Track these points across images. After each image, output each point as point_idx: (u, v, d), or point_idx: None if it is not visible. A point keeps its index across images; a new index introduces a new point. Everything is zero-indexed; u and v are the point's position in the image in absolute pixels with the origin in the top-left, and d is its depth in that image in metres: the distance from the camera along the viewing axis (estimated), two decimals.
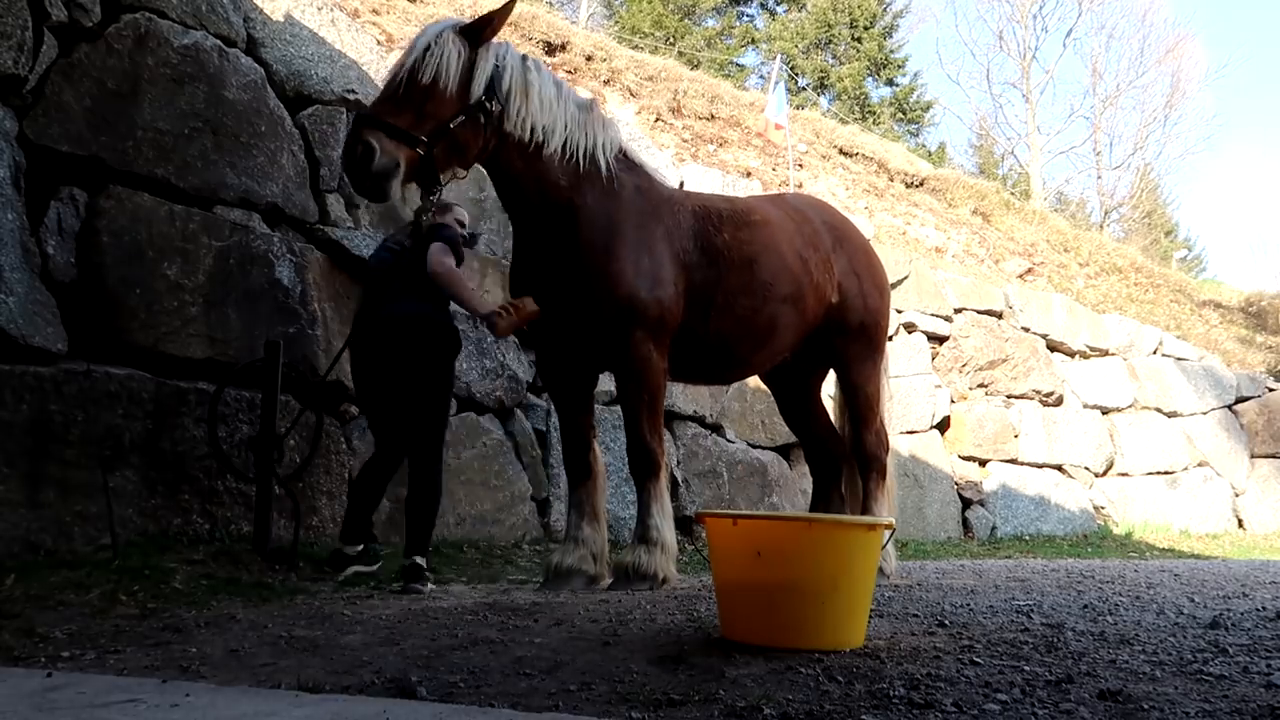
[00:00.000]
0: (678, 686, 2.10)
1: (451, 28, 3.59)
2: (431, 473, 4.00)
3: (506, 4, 3.66)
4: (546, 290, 3.89)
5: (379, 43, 6.07)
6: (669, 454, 6.45)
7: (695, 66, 13.65)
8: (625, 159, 4.05)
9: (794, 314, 4.33)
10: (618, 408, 4.96)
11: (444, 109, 3.49)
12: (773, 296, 4.23)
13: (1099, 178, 29.99)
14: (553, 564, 4.03)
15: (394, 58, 6.14)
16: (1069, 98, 51.61)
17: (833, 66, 25.56)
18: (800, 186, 9.83)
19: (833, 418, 5.11)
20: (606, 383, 4.66)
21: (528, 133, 3.69)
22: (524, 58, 3.78)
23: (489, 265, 5.89)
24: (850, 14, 25.70)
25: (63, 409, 3.89)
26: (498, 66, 3.63)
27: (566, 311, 3.88)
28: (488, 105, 3.57)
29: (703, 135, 9.46)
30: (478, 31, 3.60)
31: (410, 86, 3.46)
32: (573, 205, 3.80)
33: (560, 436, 4.29)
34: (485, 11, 3.83)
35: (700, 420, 6.81)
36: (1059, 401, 9.94)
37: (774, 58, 19.27)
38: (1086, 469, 9.91)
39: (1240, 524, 10.65)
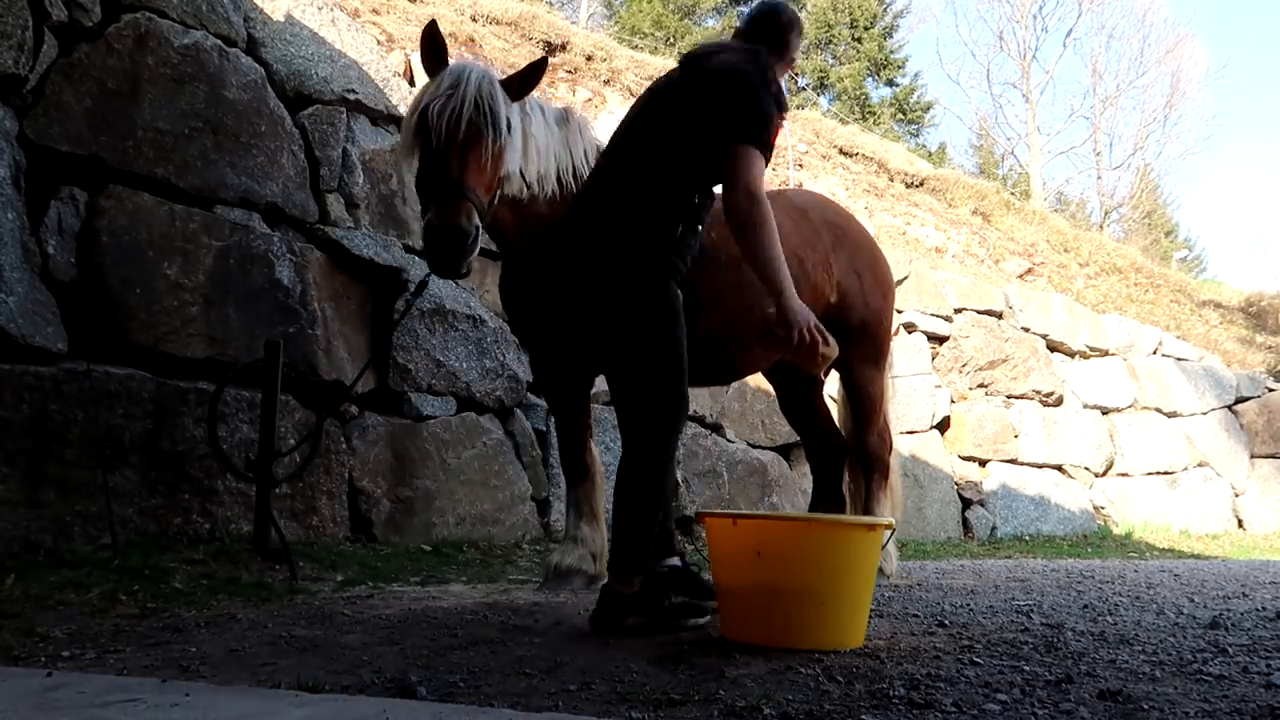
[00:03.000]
0: (678, 686, 2.10)
1: (497, 83, 3.22)
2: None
3: (539, 62, 3.35)
4: (534, 296, 3.89)
5: (379, 43, 6.07)
6: None
7: None
8: None
9: None
10: None
11: (495, 183, 3.21)
12: (764, 294, 4.20)
13: (1099, 178, 30.03)
14: (552, 564, 4.01)
15: (395, 58, 6.16)
16: (1069, 98, 51.65)
17: (833, 66, 25.55)
18: (800, 186, 9.82)
19: (835, 417, 5.10)
20: (603, 383, 4.66)
21: (524, 189, 3.48)
22: (525, 106, 3.47)
23: (489, 265, 5.88)
24: (850, 14, 25.70)
25: (63, 409, 3.89)
26: (528, 129, 3.40)
27: (555, 315, 3.87)
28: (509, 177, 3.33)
29: None
30: (513, 91, 3.29)
31: (491, 150, 3.13)
32: (554, 223, 3.65)
33: (556, 438, 4.30)
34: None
35: (700, 420, 6.81)
36: (1059, 402, 9.93)
37: None
38: (1086, 469, 9.90)
39: (1240, 524, 10.65)
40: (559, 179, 3.64)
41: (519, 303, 4.02)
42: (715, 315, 4.11)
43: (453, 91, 3.12)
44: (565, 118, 3.81)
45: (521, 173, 3.40)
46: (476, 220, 3.04)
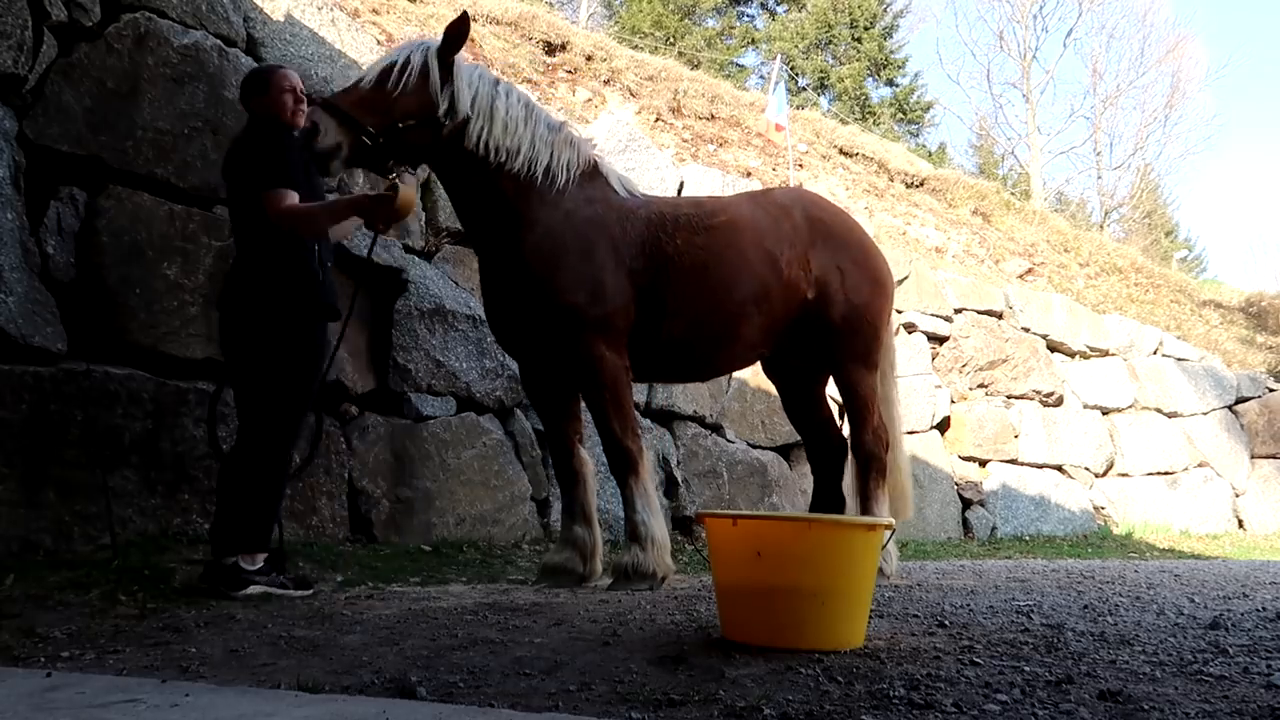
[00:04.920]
0: (678, 686, 2.10)
1: (429, 47, 3.88)
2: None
3: (458, 19, 3.87)
4: (504, 300, 4.07)
5: (379, 43, 6.06)
6: (669, 454, 6.45)
7: (695, 66, 13.65)
8: (593, 171, 4.19)
9: (757, 314, 4.36)
10: None
11: (395, 112, 3.76)
12: (729, 299, 4.28)
13: (1099, 178, 30.03)
14: (544, 563, 4.22)
15: None
16: (1069, 98, 51.64)
17: (833, 67, 25.56)
18: (800, 186, 9.82)
19: (838, 418, 5.14)
20: None
21: (491, 153, 3.91)
22: (496, 81, 4.01)
23: None
24: (850, 14, 25.71)
25: (62, 409, 3.89)
26: (465, 87, 3.88)
27: (521, 320, 4.04)
28: (443, 120, 3.83)
29: (703, 135, 9.46)
30: (447, 51, 3.88)
31: (376, 82, 3.76)
32: (520, 217, 3.96)
33: (548, 444, 4.40)
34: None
35: (700, 420, 6.81)
36: (1059, 402, 9.93)
37: (774, 58, 19.27)
38: (1086, 469, 9.90)
39: (1240, 524, 10.63)
40: (531, 170, 3.98)
41: (492, 309, 4.16)
42: (678, 320, 4.22)
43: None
44: (559, 126, 4.20)
45: (480, 132, 3.90)
46: (320, 120, 3.60)
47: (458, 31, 3.87)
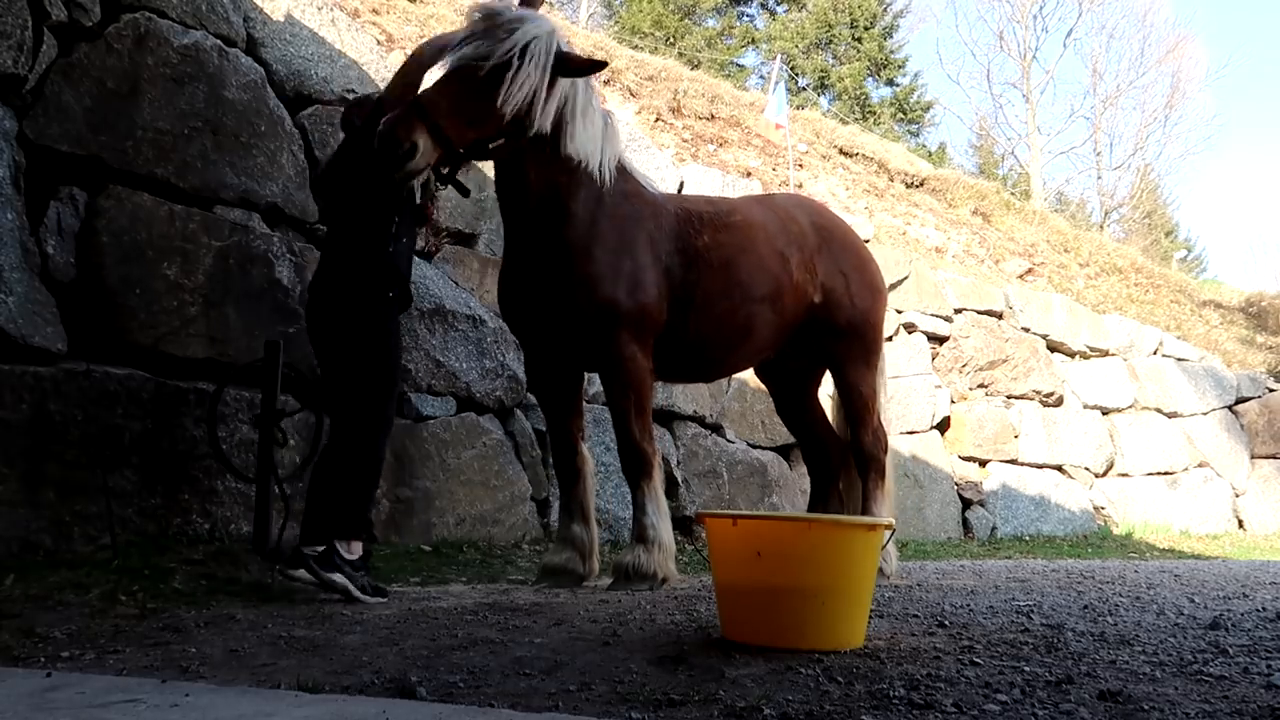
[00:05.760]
0: (678, 686, 2.10)
1: (555, 51, 3.58)
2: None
3: (602, 63, 3.81)
4: (533, 291, 4.00)
5: (379, 43, 6.06)
6: (669, 454, 6.45)
7: (695, 66, 13.65)
8: (619, 166, 4.15)
9: (771, 313, 4.39)
10: None
11: (493, 127, 3.55)
12: (750, 296, 4.30)
13: (1099, 178, 30.02)
14: (544, 564, 4.21)
15: (395, 58, 6.16)
16: (1069, 98, 51.57)
17: (833, 66, 25.55)
18: (800, 186, 9.82)
19: (831, 419, 5.13)
20: (596, 383, 4.66)
21: (576, 157, 3.83)
22: (587, 85, 3.90)
23: (489, 265, 5.88)
24: (850, 14, 25.69)
25: (62, 409, 3.89)
26: (568, 99, 3.73)
27: (552, 312, 3.97)
28: (532, 134, 3.66)
29: (703, 135, 9.45)
30: (567, 67, 3.65)
31: (482, 86, 3.46)
32: (566, 209, 3.90)
33: (550, 439, 4.39)
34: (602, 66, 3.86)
35: (700, 420, 6.81)
36: (1059, 402, 9.93)
37: (774, 58, 19.27)
38: (1087, 469, 9.90)
39: (1240, 524, 10.64)
40: (589, 164, 3.88)
41: (514, 299, 4.10)
42: (704, 316, 4.21)
43: (485, 27, 3.51)
44: (607, 119, 4.06)
45: (572, 138, 3.76)
46: (419, 139, 3.32)
47: (589, 66, 3.72)
